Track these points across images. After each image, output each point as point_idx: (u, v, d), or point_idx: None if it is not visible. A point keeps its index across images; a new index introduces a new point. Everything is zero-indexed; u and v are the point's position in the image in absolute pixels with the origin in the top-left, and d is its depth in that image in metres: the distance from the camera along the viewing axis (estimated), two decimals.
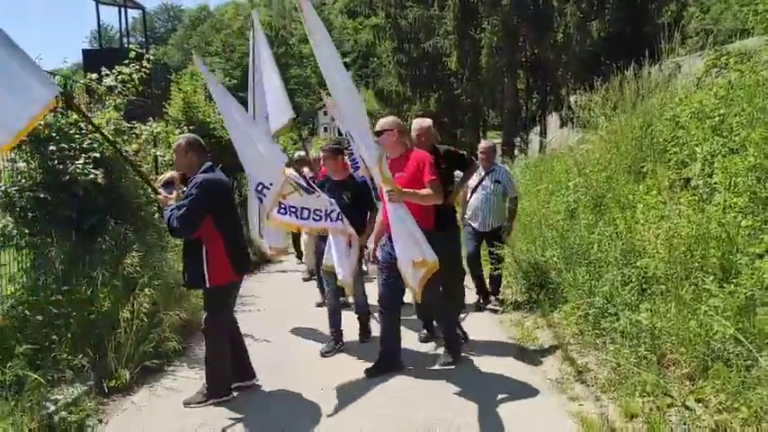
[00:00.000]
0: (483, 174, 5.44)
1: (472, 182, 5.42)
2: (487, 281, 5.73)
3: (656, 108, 5.70)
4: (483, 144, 5.66)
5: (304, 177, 4.23)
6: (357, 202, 4.57)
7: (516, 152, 16.44)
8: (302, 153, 6.80)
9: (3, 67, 3.06)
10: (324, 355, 4.48)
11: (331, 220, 4.15)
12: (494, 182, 5.41)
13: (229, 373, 3.67)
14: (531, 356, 4.24)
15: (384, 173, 3.54)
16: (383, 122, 3.88)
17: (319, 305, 5.85)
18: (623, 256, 4.30)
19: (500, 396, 3.59)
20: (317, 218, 4.11)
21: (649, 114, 5.61)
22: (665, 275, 3.73)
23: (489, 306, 5.57)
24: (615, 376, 3.46)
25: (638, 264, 4.05)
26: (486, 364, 4.15)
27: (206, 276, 3.41)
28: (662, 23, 15.19)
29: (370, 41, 21.98)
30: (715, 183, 4.13)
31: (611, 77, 6.89)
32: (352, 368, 4.14)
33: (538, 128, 17.08)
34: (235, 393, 3.68)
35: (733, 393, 2.76)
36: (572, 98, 16.11)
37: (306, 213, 4.06)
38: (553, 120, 17.17)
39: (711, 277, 3.41)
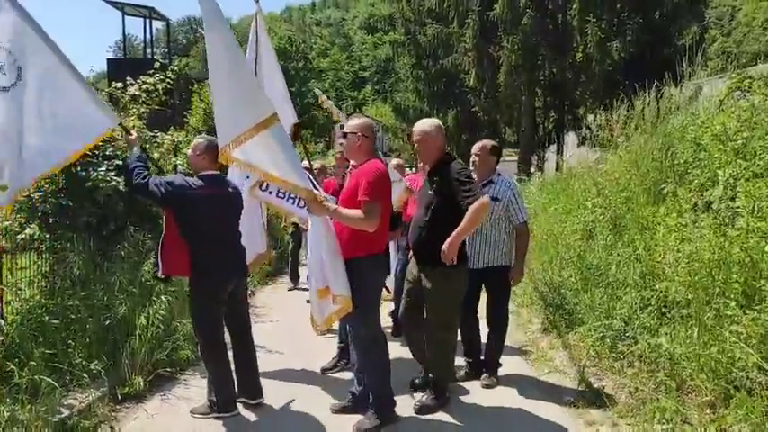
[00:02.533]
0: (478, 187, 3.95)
1: None
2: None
3: (677, 129, 5.65)
4: (477, 144, 4.15)
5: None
6: None
7: (533, 170, 16.37)
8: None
9: (67, 92, 3.36)
10: (324, 371, 4.34)
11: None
12: (490, 199, 3.79)
13: (232, 387, 3.62)
14: (546, 378, 4.18)
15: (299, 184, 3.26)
16: (350, 124, 3.48)
17: None
18: (642, 278, 4.24)
19: (514, 418, 3.54)
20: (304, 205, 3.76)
21: (670, 136, 5.56)
22: (686, 300, 3.66)
23: (480, 380, 4.12)
24: (633, 401, 3.40)
25: (657, 287, 3.98)
26: (499, 385, 4.09)
27: (160, 264, 3.45)
28: (683, 45, 15.18)
29: (389, 57, 22.19)
30: (738, 207, 4.06)
31: (630, 98, 6.86)
32: None
33: (555, 146, 17.01)
34: (239, 408, 3.63)
35: (757, 424, 2.68)
36: (590, 117, 16.07)
37: (299, 200, 3.94)
38: (570, 139, 17.10)
39: (734, 303, 3.33)
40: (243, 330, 3.74)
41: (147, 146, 5.40)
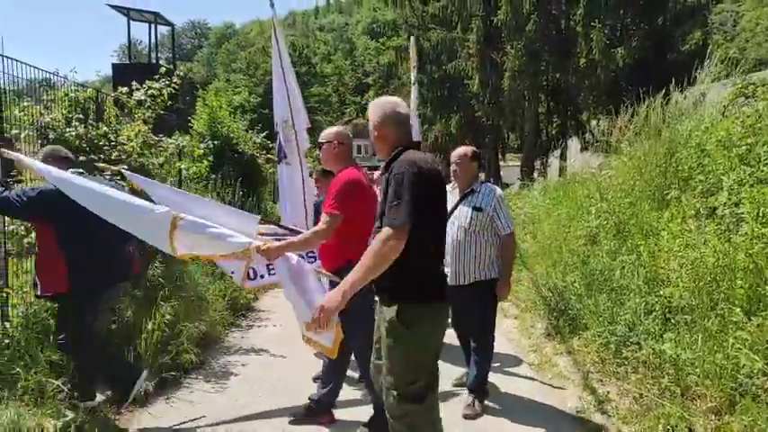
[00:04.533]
0: (459, 196, 3.79)
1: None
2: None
3: (681, 135, 5.65)
4: (456, 151, 3.82)
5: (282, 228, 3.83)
6: None
7: (536, 175, 16.38)
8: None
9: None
10: (315, 380, 4.14)
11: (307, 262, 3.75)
12: (472, 209, 3.67)
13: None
14: (550, 383, 4.17)
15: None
16: (325, 133, 3.35)
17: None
18: (646, 284, 4.23)
19: (517, 424, 3.53)
20: (312, 259, 3.85)
21: (674, 141, 5.57)
22: (690, 305, 3.66)
23: (463, 411, 3.67)
24: (637, 407, 3.39)
25: (661, 292, 3.98)
26: (502, 389, 4.09)
27: (38, 283, 3.35)
28: (686, 51, 15.21)
29: (392, 62, 22.26)
30: (742, 213, 4.06)
31: (634, 103, 6.87)
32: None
33: (558, 151, 17.03)
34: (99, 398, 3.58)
35: (762, 430, 2.68)
36: (593, 123, 16.09)
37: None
38: (574, 144, 17.11)
39: (738, 309, 3.33)
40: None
41: (153, 150, 5.42)
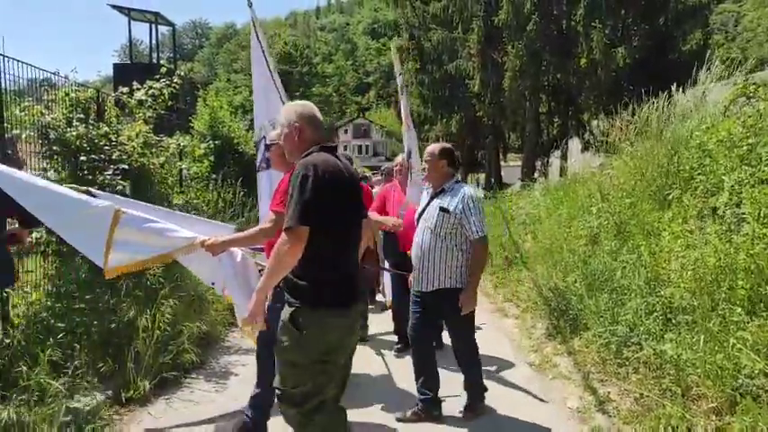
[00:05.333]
0: (430, 196, 3.60)
1: (419, 208, 3.70)
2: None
3: (682, 135, 5.65)
4: (428, 148, 3.60)
5: None
6: None
7: (536, 175, 16.38)
8: None
9: None
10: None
11: None
12: (439, 210, 3.40)
13: None
14: (550, 384, 4.17)
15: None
16: (270, 135, 3.24)
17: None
18: (647, 284, 4.23)
19: (518, 424, 3.52)
20: None
21: (675, 141, 5.56)
22: (691, 306, 3.65)
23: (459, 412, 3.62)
24: (638, 408, 3.38)
25: (662, 293, 3.97)
26: (503, 390, 4.08)
27: None
28: (687, 51, 15.20)
29: (393, 63, 22.24)
30: (743, 213, 4.06)
31: (635, 104, 6.87)
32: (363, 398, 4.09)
33: (559, 151, 17.03)
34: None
35: (763, 431, 2.67)
36: (594, 123, 16.09)
37: None
38: (574, 144, 17.12)
39: (740, 309, 3.33)
40: None
41: (153, 150, 5.42)
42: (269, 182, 4.25)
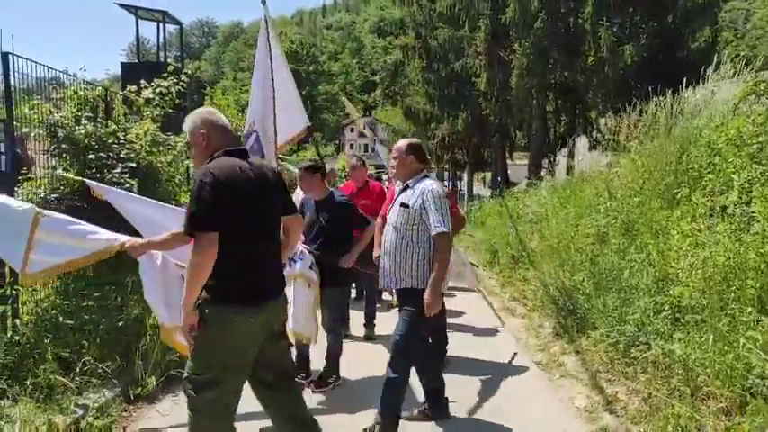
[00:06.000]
0: (398, 191, 3.56)
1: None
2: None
3: (691, 133, 5.61)
4: (396, 145, 3.51)
5: None
6: (335, 224, 4.06)
7: (543, 173, 16.32)
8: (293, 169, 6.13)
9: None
10: (314, 390, 4.04)
11: (295, 262, 3.80)
12: (400, 206, 3.31)
13: None
14: (558, 383, 4.15)
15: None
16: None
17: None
18: (656, 283, 4.20)
19: (525, 424, 3.51)
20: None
21: (684, 140, 5.52)
22: (700, 305, 3.63)
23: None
24: (646, 407, 3.36)
25: (671, 292, 3.95)
26: (510, 389, 4.07)
27: None
28: (696, 49, 15.09)
29: (400, 60, 22.26)
30: (753, 211, 4.03)
31: (643, 102, 6.82)
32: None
33: (566, 150, 16.95)
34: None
35: None
36: (602, 121, 16.00)
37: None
38: (582, 142, 17.04)
39: (749, 308, 3.30)
40: None
41: (161, 148, 5.44)
42: None
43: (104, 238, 3.07)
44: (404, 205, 3.26)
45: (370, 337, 5.37)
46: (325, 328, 4.12)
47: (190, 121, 2.55)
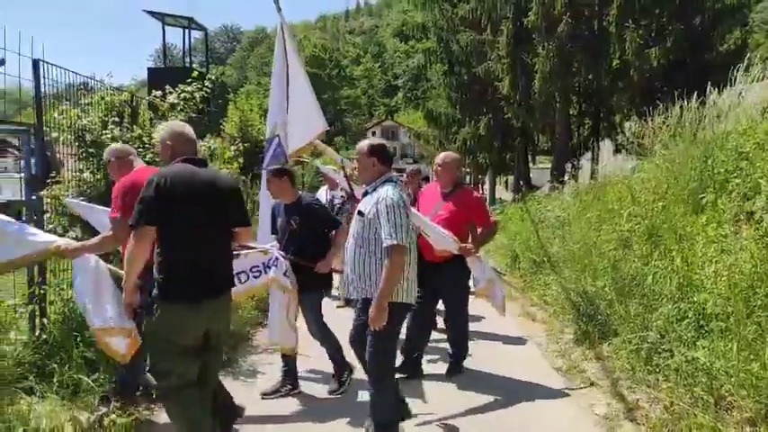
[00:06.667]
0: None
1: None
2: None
3: (717, 137, 5.49)
4: (358, 146, 3.32)
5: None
6: (306, 227, 3.95)
7: (566, 178, 16.14)
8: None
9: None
10: (263, 396, 4.01)
11: (269, 268, 3.86)
12: (357, 214, 3.17)
13: None
14: (578, 390, 4.10)
15: None
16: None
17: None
18: (679, 289, 4.12)
19: (544, 430, 3.48)
20: (257, 274, 3.88)
21: (711, 144, 5.41)
22: (725, 312, 3.55)
23: None
24: (668, 416, 3.30)
25: (695, 299, 3.87)
26: (529, 395, 4.04)
27: None
28: (725, 50, 14.75)
29: (422, 64, 22.27)
30: None
31: (668, 105, 6.70)
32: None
33: (589, 154, 16.70)
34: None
35: None
36: (627, 125, 15.73)
37: (243, 277, 3.83)
38: (606, 146, 16.79)
39: None
40: None
41: None
42: None
43: (41, 240, 3.15)
44: (360, 213, 3.11)
45: None
46: (314, 338, 4.12)
47: (161, 133, 2.90)
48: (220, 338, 2.96)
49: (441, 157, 4.44)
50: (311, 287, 3.99)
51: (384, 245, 2.94)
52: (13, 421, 2.91)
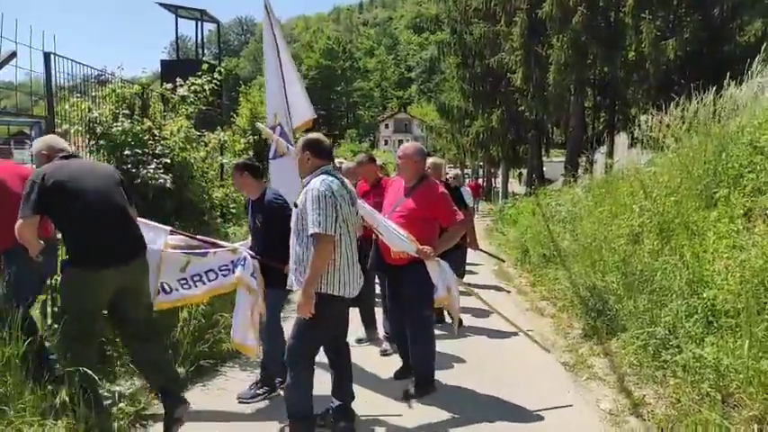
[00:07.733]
0: None
1: None
2: None
3: (732, 131, 5.39)
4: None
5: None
6: (269, 225, 3.75)
7: (580, 171, 15.97)
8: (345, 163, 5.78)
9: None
10: (240, 399, 3.84)
11: (236, 267, 3.73)
12: (293, 206, 3.20)
13: None
14: (584, 385, 4.08)
15: None
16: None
17: (359, 341, 5.05)
18: (689, 285, 4.08)
19: (549, 425, 3.47)
20: (225, 273, 3.75)
21: (725, 138, 5.32)
22: (735, 309, 3.50)
23: None
24: (674, 413, 3.27)
25: (705, 295, 3.82)
26: (535, 390, 4.02)
27: None
28: (744, 42, 14.45)
29: (435, 57, 22.17)
30: None
31: (685, 98, 6.58)
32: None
33: (604, 147, 16.50)
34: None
35: None
36: (642, 118, 15.51)
37: (212, 276, 3.75)
38: (621, 140, 16.57)
39: None
40: None
41: (195, 144, 5.57)
42: (285, 169, 4.41)
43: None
44: (295, 205, 3.15)
45: (370, 338, 5.14)
46: (260, 335, 3.79)
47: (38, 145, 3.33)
48: (138, 295, 3.28)
49: (401, 148, 4.07)
50: (275, 285, 3.77)
51: (308, 233, 2.96)
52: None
